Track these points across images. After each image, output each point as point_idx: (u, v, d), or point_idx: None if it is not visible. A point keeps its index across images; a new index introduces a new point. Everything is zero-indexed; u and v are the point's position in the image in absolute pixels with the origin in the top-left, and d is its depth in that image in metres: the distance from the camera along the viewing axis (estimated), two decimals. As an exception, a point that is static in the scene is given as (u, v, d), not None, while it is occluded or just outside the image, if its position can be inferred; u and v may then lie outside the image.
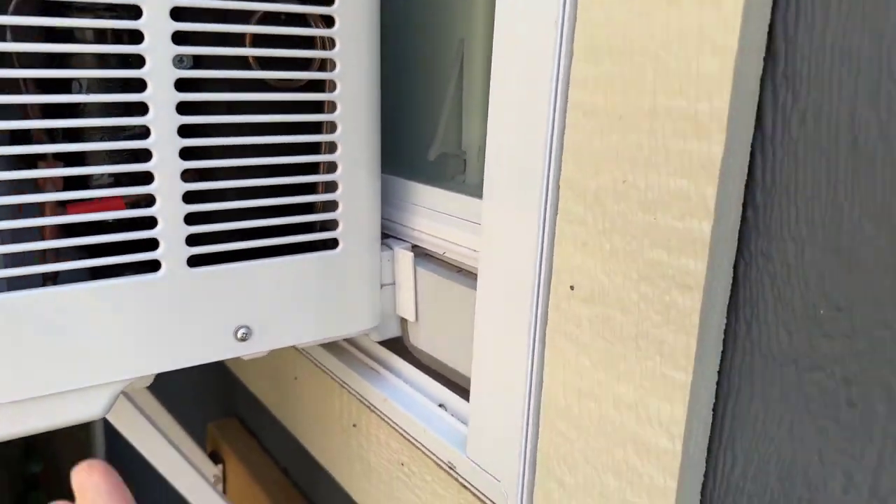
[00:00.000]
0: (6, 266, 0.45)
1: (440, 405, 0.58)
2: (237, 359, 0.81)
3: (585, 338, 0.41)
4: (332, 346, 0.71)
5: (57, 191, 0.47)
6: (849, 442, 0.33)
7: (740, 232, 0.36)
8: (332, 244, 0.57)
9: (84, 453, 1.99)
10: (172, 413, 0.93)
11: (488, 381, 0.49)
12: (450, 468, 0.54)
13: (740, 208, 0.35)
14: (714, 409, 0.38)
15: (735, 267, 0.36)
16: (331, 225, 0.57)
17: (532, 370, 0.45)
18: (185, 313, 0.51)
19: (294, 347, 0.77)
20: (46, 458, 1.95)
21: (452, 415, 0.57)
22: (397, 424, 0.60)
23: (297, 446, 0.84)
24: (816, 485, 0.34)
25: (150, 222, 0.49)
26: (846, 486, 0.33)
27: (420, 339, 0.62)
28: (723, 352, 0.37)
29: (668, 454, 0.38)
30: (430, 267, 0.59)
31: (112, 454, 1.89)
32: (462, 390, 0.58)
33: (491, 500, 0.50)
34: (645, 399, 0.38)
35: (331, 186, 0.56)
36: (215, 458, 0.96)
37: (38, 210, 0.48)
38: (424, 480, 0.57)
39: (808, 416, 0.34)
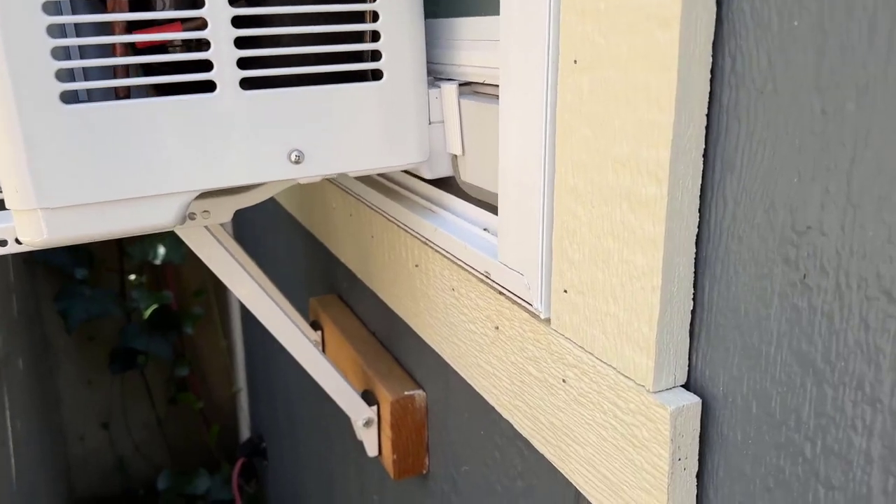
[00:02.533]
0: (87, 79, 0.52)
1: (484, 229, 0.61)
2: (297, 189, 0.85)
3: (586, 107, 0.42)
4: (397, 196, 0.74)
5: (122, 11, 0.53)
6: (823, 152, 0.32)
7: (723, -39, 0.35)
8: (378, 76, 0.60)
9: (225, 359, 2.19)
10: (283, 290, 1.01)
11: (512, 183, 0.50)
12: (486, 276, 0.56)
13: (720, -67, 0.35)
14: (705, 156, 0.38)
15: (718, 1, 0.36)
16: (375, 56, 0.60)
17: (545, 159, 0.46)
18: (241, 132, 0.56)
19: (370, 207, 0.82)
20: (193, 363, 2.16)
21: (493, 234, 0.59)
22: (446, 251, 0.63)
23: (378, 305, 0.90)
24: (797, 206, 0.33)
25: (205, 45, 0.54)
26: (824, 200, 0.32)
27: (468, 172, 0.64)
28: (711, 93, 0.37)
29: (656, 200, 0.38)
30: (473, 97, 0.61)
31: (250, 360, 2.07)
32: (505, 214, 0.60)
33: (518, 296, 0.52)
34: (637, 152, 0.39)
35: (374, 17, 0.59)
36: (315, 326, 1.03)
37: (110, 32, 0.54)
38: (469, 298, 0.60)
39: (787, 136, 0.33)
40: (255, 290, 0.76)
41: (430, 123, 0.64)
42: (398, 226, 0.74)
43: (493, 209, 0.62)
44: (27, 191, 0.52)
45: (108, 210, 0.55)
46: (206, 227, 0.69)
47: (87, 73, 0.56)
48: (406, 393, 0.79)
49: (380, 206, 0.78)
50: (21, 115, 0.50)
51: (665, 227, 0.38)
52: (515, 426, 0.56)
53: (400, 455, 0.80)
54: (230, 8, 0.54)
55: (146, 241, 1.97)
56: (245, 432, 2.17)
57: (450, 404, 0.73)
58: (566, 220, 0.45)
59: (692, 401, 0.39)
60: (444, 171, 0.66)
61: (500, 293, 0.55)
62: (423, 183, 0.72)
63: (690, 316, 0.40)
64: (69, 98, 0.52)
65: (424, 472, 0.82)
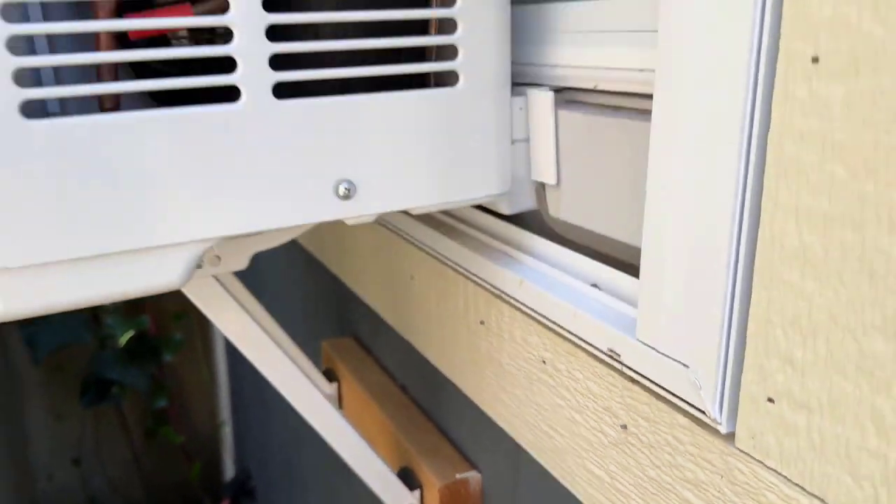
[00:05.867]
0: (58, 83, 0.36)
1: (593, 285, 0.46)
2: (341, 228, 0.70)
3: (839, 133, 0.27)
4: (454, 233, 0.59)
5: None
6: None
7: None
8: (450, 80, 0.45)
9: (208, 389, 2.01)
10: (286, 330, 0.85)
11: (671, 235, 0.36)
12: (611, 356, 0.41)
13: None
14: None
15: None
16: (448, 53, 0.45)
17: (743, 206, 0.32)
18: (274, 157, 0.41)
19: (410, 242, 0.66)
20: (173, 393, 1.98)
21: (610, 294, 0.44)
22: (537, 312, 0.48)
23: (416, 360, 0.74)
24: None
25: (225, 36, 0.39)
26: None
27: (562, 208, 0.49)
28: None
29: None
30: (576, 108, 0.46)
31: (235, 389, 1.90)
32: (621, 265, 0.45)
33: (673, 393, 0.37)
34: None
35: (447, 1, 0.44)
36: (330, 376, 0.88)
37: (92, 16, 0.39)
38: (574, 378, 0.45)
39: None
40: (273, 353, 0.60)
41: (512, 143, 0.49)
42: (454, 269, 0.59)
43: (600, 257, 0.47)
44: (-31, 243, 0.36)
45: (89, 269, 0.39)
46: (214, 276, 0.54)
47: (59, 77, 0.40)
48: (459, 476, 0.64)
49: (425, 241, 0.63)
50: (-40, 134, 0.35)
51: None
52: (650, 561, 0.41)
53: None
54: (261, -16, 0.39)
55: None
56: (229, 469, 1.99)
57: (520, 497, 0.58)
58: (782, 297, 0.30)
59: None
60: (525, 204, 0.51)
61: (634, 381, 0.40)
62: (491, 217, 0.56)
63: None
64: (34, 111, 0.36)
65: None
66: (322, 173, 0.43)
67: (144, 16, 0.38)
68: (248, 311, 0.56)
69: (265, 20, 0.39)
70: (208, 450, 2.03)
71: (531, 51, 0.50)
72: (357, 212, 0.44)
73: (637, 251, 0.43)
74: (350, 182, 0.43)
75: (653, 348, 0.38)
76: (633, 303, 0.42)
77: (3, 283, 0.38)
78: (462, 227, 0.60)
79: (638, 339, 0.39)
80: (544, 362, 0.48)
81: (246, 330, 0.57)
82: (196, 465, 1.96)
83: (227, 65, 0.39)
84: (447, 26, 0.44)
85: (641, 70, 0.40)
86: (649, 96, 0.40)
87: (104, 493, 1.99)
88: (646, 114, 0.41)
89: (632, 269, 0.44)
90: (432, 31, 0.47)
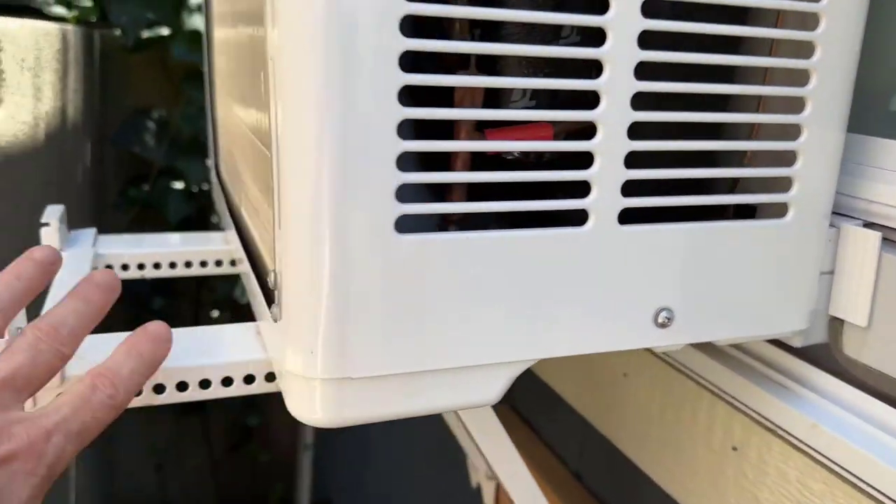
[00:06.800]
0: (404, 200, 0.35)
1: (912, 445, 0.42)
2: None
3: None
4: (703, 346, 0.56)
5: (475, 107, 0.36)
6: None
7: None
8: (777, 211, 0.43)
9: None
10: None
11: None
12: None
13: None
14: None
15: None
16: (781, 184, 0.42)
17: None
18: (605, 282, 0.39)
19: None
20: (265, 413, 1.98)
21: (941, 463, 0.41)
22: (833, 461, 0.44)
23: (608, 454, 0.71)
24: None
25: (584, 160, 0.37)
26: None
27: (869, 353, 0.46)
28: None
29: None
30: (908, 253, 0.43)
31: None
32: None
33: None
34: None
35: (789, 133, 0.42)
36: (489, 449, 0.85)
37: (448, 134, 0.37)
38: (885, 547, 0.42)
39: None
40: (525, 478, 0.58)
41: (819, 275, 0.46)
42: (692, 378, 0.56)
43: (911, 412, 0.43)
44: (327, 354, 0.35)
45: (415, 384, 0.37)
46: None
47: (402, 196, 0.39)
48: None
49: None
50: (340, 245, 0.33)
51: None
52: None
53: None
54: (632, 111, 0.37)
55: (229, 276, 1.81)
56: (304, 493, 1.98)
57: None
58: None
59: None
60: (816, 338, 0.48)
61: None
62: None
63: None
64: (401, 226, 0.35)
65: None
66: (646, 300, 0.40)
67: (505, 136, 0.36)
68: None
69: (627, 147, 0.37)
70: (286, 471, 2.03)
71: (842, 180, 0.47)
72: (670, 341, 0.42)
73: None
74: (670, 310, 0.41)
75: None
76: (982, 483, 0.38)
77: (336, 393, 0.36)
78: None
79: None
80: (834, 516, 0.45)
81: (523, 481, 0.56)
82: (278, 487, 1.95)
83: (580, 188, 0.37)
84: (784, 158, 0.42)
85: None
86: None
87: (180, 501, 2.00)
88: None
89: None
90: (747, 160, 0.44)
